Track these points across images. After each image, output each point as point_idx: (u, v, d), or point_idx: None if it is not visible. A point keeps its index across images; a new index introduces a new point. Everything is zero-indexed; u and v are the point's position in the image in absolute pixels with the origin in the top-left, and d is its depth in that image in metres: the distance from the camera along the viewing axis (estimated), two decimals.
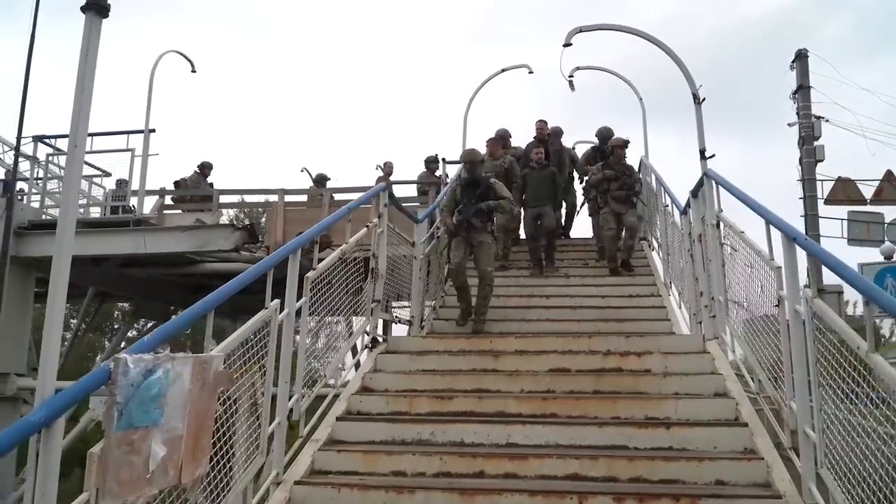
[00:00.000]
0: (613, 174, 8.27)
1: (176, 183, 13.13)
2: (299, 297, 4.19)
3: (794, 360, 3.51)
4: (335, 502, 3.68)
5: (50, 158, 11.08)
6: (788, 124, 14.63)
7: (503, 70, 11.49)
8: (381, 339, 5.80)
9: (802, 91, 14.46)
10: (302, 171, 14.21)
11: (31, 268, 10.40)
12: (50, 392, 2.25)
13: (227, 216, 17.88)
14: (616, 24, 6.27)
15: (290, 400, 4.09)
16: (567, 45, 6.36)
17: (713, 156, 6.01)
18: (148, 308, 13.99)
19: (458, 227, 6.70)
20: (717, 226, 5.24)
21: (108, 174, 12.26)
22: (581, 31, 6.32)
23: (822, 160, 14.21)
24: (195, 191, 12.58)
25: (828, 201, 14.38)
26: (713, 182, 5.33)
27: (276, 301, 3.87)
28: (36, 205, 10.88)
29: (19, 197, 10.76)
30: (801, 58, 14.61)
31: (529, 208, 8.69)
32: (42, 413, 2.19)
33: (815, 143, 14.19)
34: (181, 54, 11.71)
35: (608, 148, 8.91)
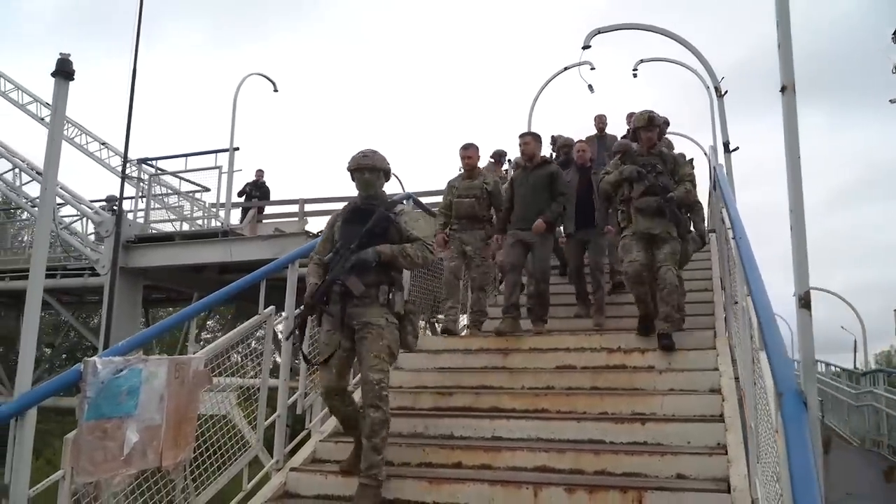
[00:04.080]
0: (635, 171, 5.16)
1: None
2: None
3: (743, 357, 3.56)
4: (322, 487, 4.09)
5: (152, 179, 12.34)
6: (890, 101, 13.59)
7: (566, 68, 11.53)
8: None
9: None
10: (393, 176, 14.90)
11: (138, 277, 11.68)
12: (26, 387, 2.81)
13: None
14: (635, 24, 6.27)
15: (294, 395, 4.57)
16: (586, 47, 6.43)
17: (737, 148, 5.91)
18: (249, 310, 15.20)
19: (318, 297, 3.76)
20: (724, 220, 5.21)
21: (206, 189, 13.50)
22: (600, 33, 6.38)
23: None
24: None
25: None
26: (722, 175, 5.30)
27: (272, 307, 4.36)
28: (141, 220, 12.15)
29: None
30: None
31: (513, 229, 6.03)
32: (16, 404, 2.74)
33: None
34: (264, 76, 12.68)
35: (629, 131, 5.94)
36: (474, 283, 6.13)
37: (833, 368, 16.84)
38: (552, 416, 4.60)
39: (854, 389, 13.80)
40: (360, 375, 3.97)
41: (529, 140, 6.08)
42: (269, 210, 14.66)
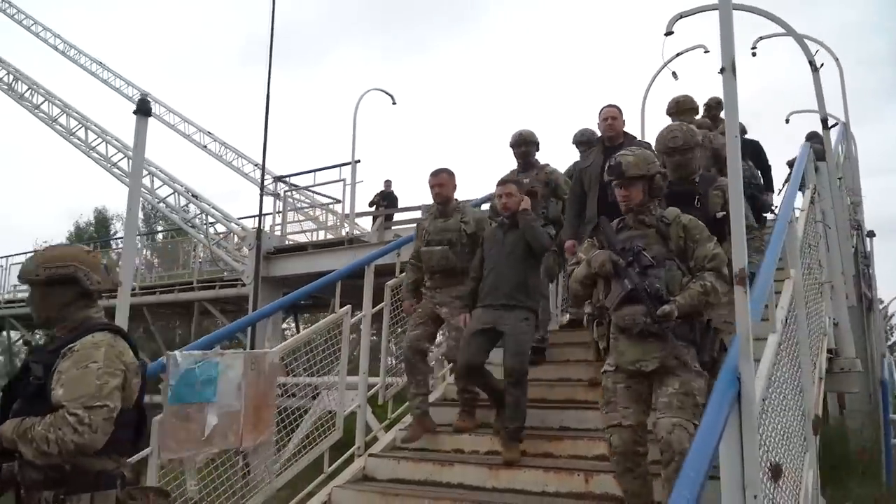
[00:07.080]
0: (609, 262, 3.01)
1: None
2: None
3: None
4: (394, 471, 4.41)
5: (288, 194, 13.43)
6: None
7: (678, 54, 11.14)
8: None
9: None
10: None
11: (278, 285, 12.74)
12: None
13: None
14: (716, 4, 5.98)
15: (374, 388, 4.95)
16: (669, 33, 6.28)
17: (836, 124, 5.56)
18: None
19: None
20: (812, 201, 4.95)
21: (338, 201, 14.45)
22: (682, 17, 6.21)
23: None
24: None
25: None
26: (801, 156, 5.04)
27: (348, 307, 4.75)
28: (278, 232, 13.26)
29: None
30: None
31: (479, 308, 4.22)
32: None
33: None
34: (382, 90, 13.37)
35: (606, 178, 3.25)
36: (451, 353, 4.57)
37: None
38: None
39: None
40: None
41: (513, 190, 4.25)
42: (397, 217, 15.39)
